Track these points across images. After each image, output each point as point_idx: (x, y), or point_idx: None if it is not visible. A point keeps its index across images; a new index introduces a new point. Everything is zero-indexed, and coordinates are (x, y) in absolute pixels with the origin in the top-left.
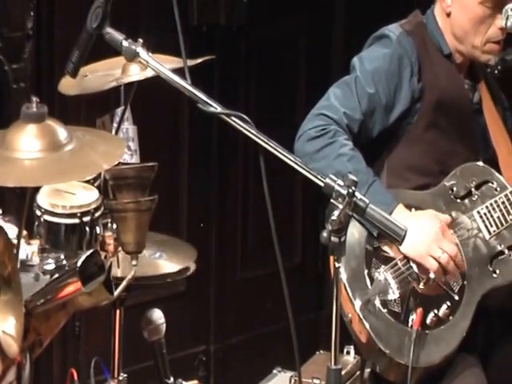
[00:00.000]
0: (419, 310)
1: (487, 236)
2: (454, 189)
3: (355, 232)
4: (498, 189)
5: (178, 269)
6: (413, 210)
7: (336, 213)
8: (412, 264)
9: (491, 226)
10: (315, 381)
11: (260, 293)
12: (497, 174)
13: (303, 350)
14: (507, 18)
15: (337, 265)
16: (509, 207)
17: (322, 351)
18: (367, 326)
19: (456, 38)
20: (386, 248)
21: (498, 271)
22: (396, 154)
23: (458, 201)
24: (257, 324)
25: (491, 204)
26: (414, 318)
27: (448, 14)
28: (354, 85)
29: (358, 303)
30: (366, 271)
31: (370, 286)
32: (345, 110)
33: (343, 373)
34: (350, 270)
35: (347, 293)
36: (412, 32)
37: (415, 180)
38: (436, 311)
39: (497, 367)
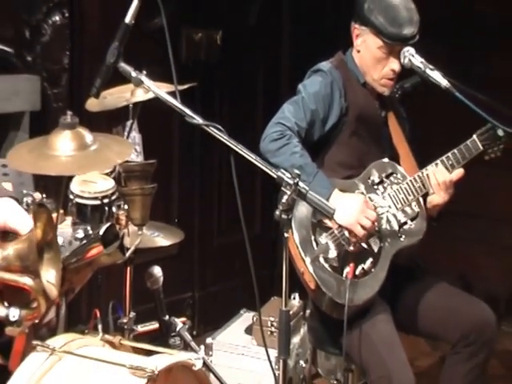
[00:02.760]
0: (351, 265)
1: (396, 211)
2: (371, 178)
3: (304, 210)
4: (401, 178)
5: (168, 244)
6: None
7: (285, 197)
8: (345, 231)
9: (398, 204)
10: (270, 318)
11: (231, 255)
12: (399, 168)
13: (262, 297)
14: (404, 58)
15: (285, 235)
16: (409, 191)
17: (275, 297)
18: (315, 276)
19: (363, 71)
20: (326, 221)
21: (403, 236)
22: (329, 153)
23: (375, 187)
24: (228, 278)
25: (397, 189)
26: (348, 270)
27: (358, 51)
28: (301, 103)
29: (308, 260)
30: (312, 237)
31: (315, 248)
32: (295, 120)
33: (291, 313)
34: (301, 236)
35: (299, 253)
36: (338, 66)
37: (343, 172)
38: (363, 265)
39: (401, 310)
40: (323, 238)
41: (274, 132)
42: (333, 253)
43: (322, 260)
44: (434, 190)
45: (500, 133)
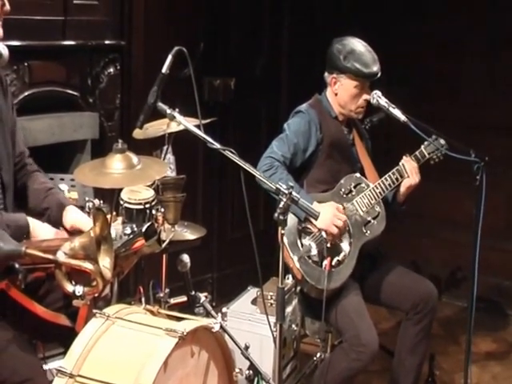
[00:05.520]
0: (328, 259)
1: (362, 213)
2: (342, 189)
3: (292, 220)
4: (365, 187)
5: (194, 238)
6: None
7: (282, 203)
8: (323, 233)
9: (363, 207)
10: (270, 293)
11: (241, 246)
12: (364, 179)
13: (264, 277)
14: (373, 99)
15: (282, 231)
16: (371, 196)
17: (274, 278)
18: (301, 270)
19: (340, 106)
20: (308, 226)
21: (368, 232)
22: (310, 174)
23: (345, 196)
24: (238, 263)
25: (362, 196)
26: (326, 263)
27: (336, 94)
28: (285, 139)
29: (295, 258)
30: (298, 240)
31: (301, 248)
32: (281, 153)
33: (285, 289)
34: (290, 240)
35: (289, 253)
36: (314, 106)
37: (320, 188)
38: (338, 257)
39: (367, 287)
40: (306, 241)
41: (264, 165)
42: (314, 251)
43: (306, 257)
44: (409, 174)
45: (442, 141)
